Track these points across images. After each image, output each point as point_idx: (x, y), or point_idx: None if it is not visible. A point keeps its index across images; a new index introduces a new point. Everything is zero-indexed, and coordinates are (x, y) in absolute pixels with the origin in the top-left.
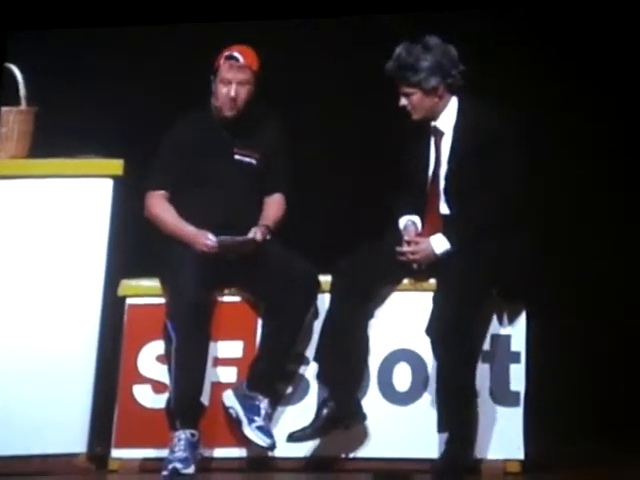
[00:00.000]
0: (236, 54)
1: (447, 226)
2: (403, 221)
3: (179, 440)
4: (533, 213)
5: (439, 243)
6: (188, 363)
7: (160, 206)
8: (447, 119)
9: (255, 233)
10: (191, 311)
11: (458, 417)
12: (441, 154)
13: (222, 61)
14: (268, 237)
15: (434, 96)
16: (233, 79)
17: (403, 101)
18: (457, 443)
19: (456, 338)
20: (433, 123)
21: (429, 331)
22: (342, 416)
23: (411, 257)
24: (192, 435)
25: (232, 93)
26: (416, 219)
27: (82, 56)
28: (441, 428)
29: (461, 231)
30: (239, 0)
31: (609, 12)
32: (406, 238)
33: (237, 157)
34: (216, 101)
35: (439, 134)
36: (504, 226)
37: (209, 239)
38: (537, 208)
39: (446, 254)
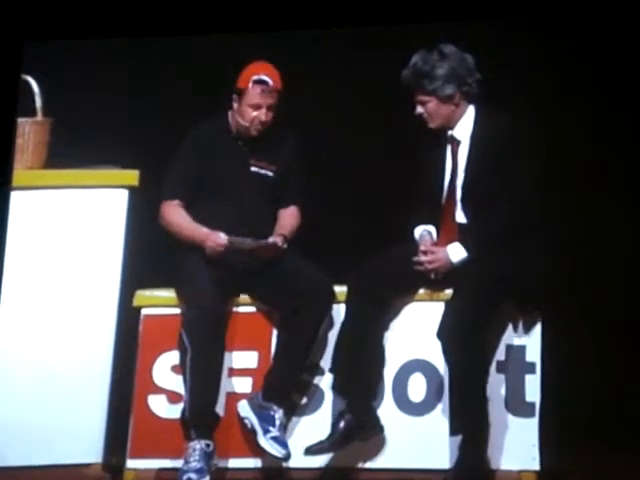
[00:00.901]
0: (266, 78)
1: (463, 235)
2: (419, 231)
3: (194, 450)
4: (549, 222)
5: (456, 252)
6: (203, 373)
7: (175, 212)
8: (464, 128)
9: (274, 240)
10: (206, 322)
11: (470, 420)
12: (458, 163)
13: (251, 84)
14: (285, 246)
15: (450, 104)
16: (264, 104)
17: (419, 109)
18: (471, 446)
19: (467, 342)
20: (450, 132)
21: (440, 335)
22: (360, 428)
23: (428, 266)
24: (207, 445)
25: (263, 117)
26: (431, 229)
27: (98, 67)
28: (453, 431)
29: (478, 240)
30: (253, 11)
31: (628, 17)
32: (422, 248)
33: (253, 169)
34: (242, 121)
35: (456, 143)
36: (520, 235)
37: (220, 237)
38: (553, 217)
39: (462, 263)
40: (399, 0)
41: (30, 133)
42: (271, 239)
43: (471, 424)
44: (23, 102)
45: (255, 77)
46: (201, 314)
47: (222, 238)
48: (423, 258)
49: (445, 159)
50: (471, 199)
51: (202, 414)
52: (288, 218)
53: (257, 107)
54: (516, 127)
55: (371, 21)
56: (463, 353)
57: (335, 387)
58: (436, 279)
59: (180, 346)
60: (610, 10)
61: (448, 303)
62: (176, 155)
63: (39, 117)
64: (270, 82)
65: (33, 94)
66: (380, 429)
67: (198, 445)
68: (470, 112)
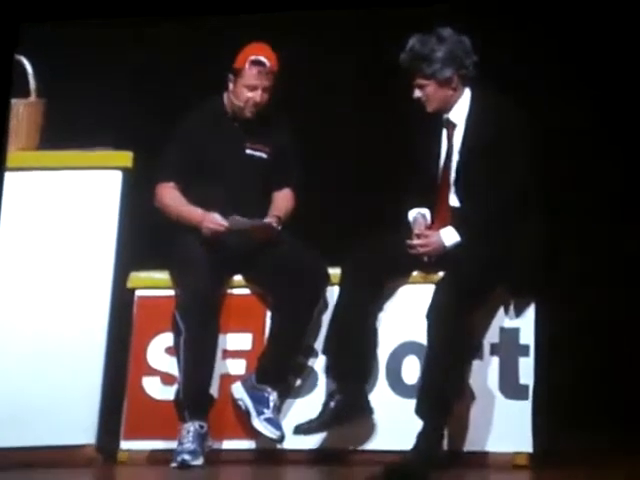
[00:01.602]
0: (263, 59)
1: (457, 218)
2: (413, 214)
3: (188, 432)
4: (543, 206)
5: (449, 236)
6: (197, 355)
7: (169, 194)
8: (460, 111)
9: (269, 220)
10: (200, 303)
11: (436, 405)
12: (453, 146)
13: (247, 65)
14: (279, 227)
15: (448, 87)
16: (260, 85)
17: (417, 93)
18: (430, 432)
19: (452, 326)
20: (445, 115)
21: (428, 314)
22: (349, 409)
23: (421, 250)
24: (201, 427)
25: (258, 99)
26: (425, 211)
27: (92, 48)
28: (417, 412)
29: (470, 223)
30: None
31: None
32: (416, 231)
33: (248, 151)
34: (237, 101)
35: (451, 126)
36: (513, 219)
37: (216, 218)
38: (547, 201)
39: (455, 246)
40: None
41: (24, 114)
42: (266, 220)
43: (433, 410)
44: (17, 83)
45: (252, 57)
46: (195, 296)
47: (218, 219)
48: (416, 242)
49: (440, 142)
50: (465, 183)
51: (196, 396)
52: (282, 200)
53: (253, 88)
54: (511, 110)
55: (368, 3)
56: (445, 338)
57: (327, 368)
58: (429, 262)
59: (174, 328)
60: None
61: (438, 285)
62: (171, 137)
63: (33, 98)
64: (267, 63)
65: (27, 75)
66: (370, 411)
67: (192, 427)
68: (466, 95)
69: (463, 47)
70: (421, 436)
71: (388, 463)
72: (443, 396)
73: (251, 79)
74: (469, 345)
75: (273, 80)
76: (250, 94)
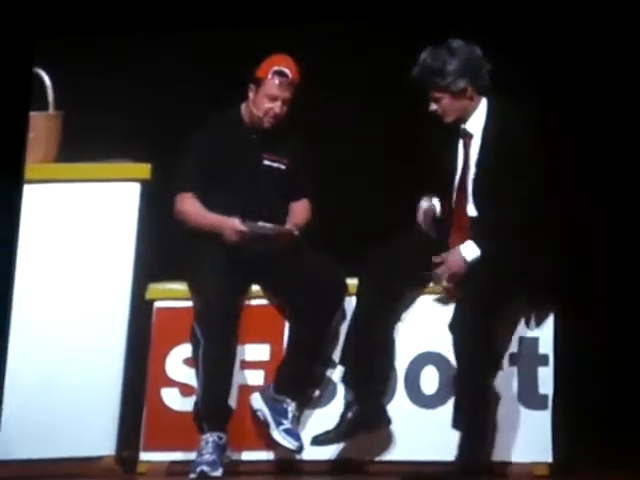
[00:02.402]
0: (286, 70)
1: (475, 228)
2: (422, 205)
3: (207, 443)
4: (561, 215)
5: (469, 250)
6: (216, 366)
7: (189, 203)
8: (476, 121)
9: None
10: (219, 314)
11: (473, 415)
12: (470, 156)
13: (270, 75)
14: (298, 234)
15: (463, 98)
16: (280, 96)
17: (433, 106)
18: (471, 442)
19: (478, 336)
20: (462, 125)
21: (452, 327)
22: (366, 420)
23: (445, 276)
24: (219, 438)
25: (278, 110)
26: (434, 200)
27: (110, 60)
28: (455, 424)
29: (490, 234)
30: (267, 5)
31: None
32: (434, 260)
33: (266, 162)
34: (256, 111)
35: (468, 136)
36: (532, 228)
37: (237, 223)
38: (565, 210)
39: (476, 259)
40: None
41: (42, 127)
42: (287, 226)
43: (471, 419)
44: (35, 96)
45: (275, 68)
46: (214, 307)
47: (240, 224)
48: (439, 270)
49: (457, 152)
50: (483, 193)
51: (215, 407)
52: (300, 211)
53: (273, 98)
54: (527, 119)
55: (386, 14)
56: (472, 348)
57: (344, 379)
58: (454, 282)
59: (193, 339)
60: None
61: (461, 297)
62: (189, 148)
63: (51, 111)
64: (289, 74)
65: (45, 88)
66: (387, 421)
67: (211, 438)
68: (482, 105)
69: (475, 57)
70: (461, 447)
71: (405, 474)
72: (478, 407)
73: (273, 89)
74: (496, 355)
75: (293, 92)
76: (270, 105)
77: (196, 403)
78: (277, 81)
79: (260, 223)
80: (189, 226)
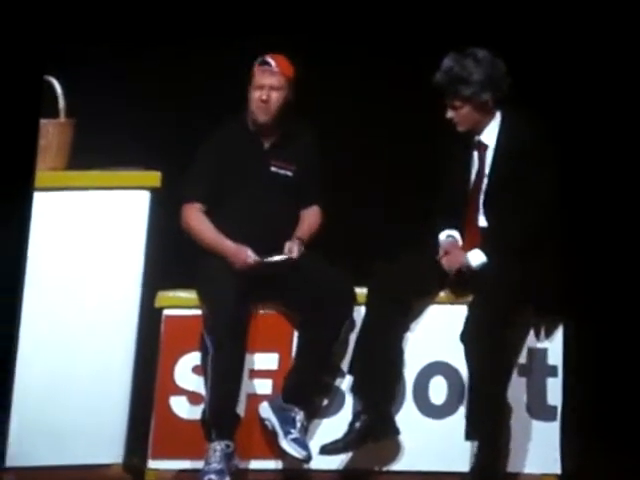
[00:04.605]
0: (268, 59)
1: (485, 239)
2: (443, 236)
3: (214, 451)
4: (572, 227)
5: (475, 257)
6: (224, 375)
7: (197, 219)
8: (491, 132)
9: (291, 250)
10: (228, 323)
11: (487, 426)
12: (484, 167)
13: (255, 68)
14: (302, 249)
15: (483, 110)
16: (265, 84)
17: (450, 113)
18: (486, 452)
19: (490, 346)
20: (477, 137)
21: (463, 337)
22: (375, 429)
23: (447, 264)
24: (227, 446)
25: (264, 97)
26: (455, 234)
27: (120, 69)
28: (469, 436)
29: (498, 245)
30: (273, 13)
31: None
32: (441, 252)
33: (273, 169)
34: (251, 107)
35: (483, 147)
36: (542, 240)
37: (250, 257)
38: (576, 222)
39: (483, 267)
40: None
41: (53, 134)
42: (292, 252)
43: (486, 430)
44: (46, 103)
45: (259, 59)
46: (223, 315)
47: (250, 257)
48: (442, 258)
49: (471, 163)
50: (494, 204)
51: (223, 415)
52: (309, 219)
53: (260, 87)
54: (541, 132)
55: (399, 22)
56: (484, 358)
57: (353, 388)
58: (458, 280)
59: (202, 347)
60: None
61: (471, 306)
62: (197, 156)
63: (62, 118)
64: (272, 63)
65: (56, 95)
66: (395, 431)
67: (219, 446)
68: (497, 117)
69: (500, 69)
70: (477, 457)
71: None
72: (493, 418)
73: (257, 78)
74: (509, 366)
75: (284, 84)
76: (257, 93)
77: (204, 411)
78: (260, 70)
79: (271, 259)
80: (197, 243)
